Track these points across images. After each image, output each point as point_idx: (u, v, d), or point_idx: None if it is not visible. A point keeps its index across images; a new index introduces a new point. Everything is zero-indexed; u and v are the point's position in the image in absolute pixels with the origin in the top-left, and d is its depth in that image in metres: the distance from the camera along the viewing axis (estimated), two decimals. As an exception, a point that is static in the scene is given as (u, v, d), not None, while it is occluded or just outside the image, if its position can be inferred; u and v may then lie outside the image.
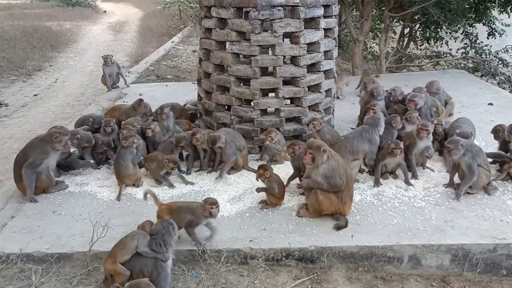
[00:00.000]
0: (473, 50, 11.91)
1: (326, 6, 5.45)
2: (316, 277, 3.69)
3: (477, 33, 11.95)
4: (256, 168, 4.54)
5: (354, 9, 10.31)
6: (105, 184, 4.92)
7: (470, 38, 11.95)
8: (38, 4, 28.65)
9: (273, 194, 4.28)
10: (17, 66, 12.64)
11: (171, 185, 4.79)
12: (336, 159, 4.07)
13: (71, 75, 12.27)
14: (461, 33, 11.89)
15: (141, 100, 6.20)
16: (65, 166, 5.18)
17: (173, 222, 3.45)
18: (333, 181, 4.00)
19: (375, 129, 4.81)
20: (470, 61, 11.93)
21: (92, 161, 5.22)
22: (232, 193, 4.65)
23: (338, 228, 3.93)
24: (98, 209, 4.38)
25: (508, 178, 4.77)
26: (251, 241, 3.82)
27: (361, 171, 4.94)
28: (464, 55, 12.03)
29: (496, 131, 5.15)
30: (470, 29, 11.81)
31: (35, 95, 10.29)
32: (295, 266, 3.77)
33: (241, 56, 5.50)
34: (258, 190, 4.36)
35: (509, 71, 11.31)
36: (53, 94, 10.40)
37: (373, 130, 4.80)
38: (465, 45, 12.09)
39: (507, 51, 11.48)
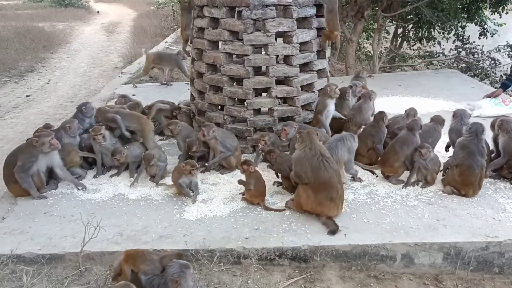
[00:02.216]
0: (464, 52, 11.98)
1: (318, 6, 5.47)
2: (309, 276, 3.68)
3: (469, 36, 12.03)
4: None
5: (347, 9, 10.32)
6: (97, 185, 4.89)
7: (461, 39, 12.02)
8: (31, 4, 28.45)
9: (249, 190, 4.31)
10: (9, 67, 12.55)
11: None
12: (307, 151, 4.04)
13: (64, 76, 12.20)
14: (453, 35, 11.95)
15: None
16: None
17: (185, 273, 2.99)
18: (297, 170, 4.07)
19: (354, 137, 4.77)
20: (462, 61, 12.00)
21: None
22: (225, 193, 4.63)
23: (332, 233, 3.86)
24: (90, 210, 4.35)
25: (499, 177, 4.79)
26: (245, 239, 3.81)
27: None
28: (456, 55, 12.10)
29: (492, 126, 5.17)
30: (461, 31, 11.89)
31: (27, 96, 10.22)
32: (288, 266, 3.76)
33: (233, 55, 5.50)
34: (239, 181, 4.44)
35: (501, 70, 11.37)
36: (46, 95, 10.33)
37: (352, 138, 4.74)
38: (457, 47, 12.15)
39: (499, 50, 11.56)
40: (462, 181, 4.39)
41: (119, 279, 3.16)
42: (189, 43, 6.75)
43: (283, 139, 5.04)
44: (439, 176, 4.79)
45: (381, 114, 5.17)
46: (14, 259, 3.68)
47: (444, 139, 5.25)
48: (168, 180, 4.83)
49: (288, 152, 5.33)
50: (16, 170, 4.49)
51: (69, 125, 4.99)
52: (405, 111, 5.39)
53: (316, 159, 3.99)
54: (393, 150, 4.76)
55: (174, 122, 5.28)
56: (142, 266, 3.14)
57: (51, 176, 4.87)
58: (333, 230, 3.87)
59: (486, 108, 6.87)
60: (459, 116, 5.14)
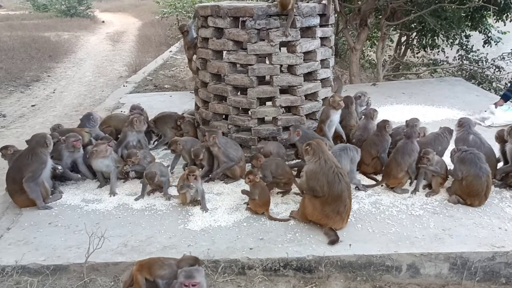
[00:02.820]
0: (468, 61, 11.97)
1: (322, 15, 5.48)
2: (314, 287, 3.66)
3: (472, 45, 12.02)
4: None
5: (349, 18, 10.36)
6: (102, 195, 4.89)
7: (465, 48, 12.01)
8: (37, 14, 28.73)
9: (254, 200, 4.30)
10: (15, 77, 12.64)
11: (189, 187, 4.48)
12: (323, 164, 3.99)
13: (69, 86, 12.28)
14: (457, 44, 11.95)
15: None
16: (61, 177, 5.15)
17: (194, 275, 2.97)
18: (310, 183, 4.01)
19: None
20: (466, 70, 11.98)
21: (78, 176, 5.19)
22: (230, 203, 4.62)
23: (332, 243, 3.84)
24: (95, 220, 4.36)
25: (505, 185, 4.76)
26: (250, 249, 3.80)
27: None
28: (460, 63, 12.08)
29: (498, 138, 5.15)
30: (465, 41, 11.89)
31: (33, 105, 10.28)
32: (293, 276, 3.74)
33: (238, 65, 5.51)
34: (243, 191, 4.46)
35: (505, 78, 11.34)
36: (51, 104, 10.39)
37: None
38: (460, 56, 12.14)
39: (503, 58, 11.53)
40: (468, 191, 4.37)
41: None
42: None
43: (294, 138, 5.05)
44: (445, 184, 4.77)
45: (385, 122, 5.17)
46: (18, 270, 3.68)
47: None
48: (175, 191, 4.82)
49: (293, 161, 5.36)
50: (27, 180, 4.51)
51: (64, 138, 5.08)
52: (406, 121, 5.38)
53: (331, 173, 3.96)
54: (395, 161, 4.74)
55: (174, 142, 5.20)
56: (159, 272, 3.17)
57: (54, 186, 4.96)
58: (333, 241, 3.86)
59: (498, 115, 6.80)
60: (466, 125, 5.11)
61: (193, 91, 6.69)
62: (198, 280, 2.92)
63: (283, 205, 4.58)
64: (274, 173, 4.63)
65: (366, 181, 5.02)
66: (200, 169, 4.79)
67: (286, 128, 5.51)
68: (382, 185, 4.88)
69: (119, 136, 5.80)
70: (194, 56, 6.51)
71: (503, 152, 4.91)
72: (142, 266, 3.23)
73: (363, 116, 5.72)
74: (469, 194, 4.37)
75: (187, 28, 6.81)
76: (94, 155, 4.93)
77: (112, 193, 4.85)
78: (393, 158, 4.78)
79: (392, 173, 4.74)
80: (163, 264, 3.21)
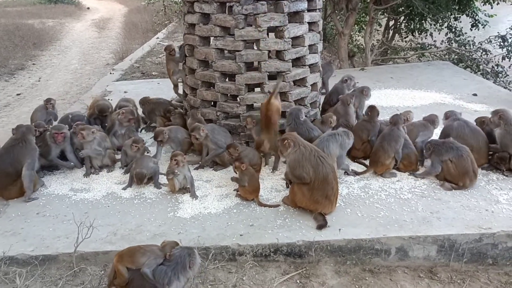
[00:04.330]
0: (456, 44, 12.00)
1: (310, 0, 5.43)
2: (304, 272, 3.69)
3: (461, 27, 12.04)
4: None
5: (337, 2, 10.30)
6: (90, 184, 4.85)
7: (453, 31, 12.03)
8: (20, 1, 28.13)
9: (244, 187, 4.31)
10: (-1, 65, 12.44)
11: (174, 174, 4.48)
12: (303, 150, 4.02)
13: (55, 74, 12.09)
14: (445, 27, 11.95)
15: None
16: (49, 166, 5.10)
17: (194, 253, 3.13)
18: (296, 172, 4.03)
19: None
20: (454, 53, 12.02)
21: (72, 163, 5.16)
22: (219, 190, 4.62)
23: (319, 227, 3.87)
24: (83, 209, 4.32)
25: (492, 168, 4.82)
26: (240, 236, 3.81)
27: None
28: (448, 47, 12.11)
29: (481, 123, 5.19)
30: (454, 23, 11.89)
31: (18, 94, 10.12)
32: (283, 261, 3.77)
33: (225, 51, 5.46)
34: (232, 179, 4.47)
35: (492, 61, 11.41)
36: (37, 93, 10.24)
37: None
38: (449, 39, 12.17)
39: (490, 41, 11.58)
40: (457, 173, 4.45)
41: (116, 283, 3.15)
42: (179, 86, 6.54)
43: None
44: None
45: (372, 108, 5.23)
46: (6, 261, 3.65)
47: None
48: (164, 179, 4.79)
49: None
50: (27, 167, 4.50)
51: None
52: (389, 119, 5.35)
53: (313, 157, 3.99)
54: (382, 149, 4.76)
55: (160, 132, 5.12)
56: (143, 259, 3.11)
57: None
58: (321, 225, 3.88)
59: None
60: (452, 115, 5.19)
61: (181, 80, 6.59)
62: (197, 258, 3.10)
63: (272, 191, 4.58)
64: (251, 162, 4.65)
65: (354, 165, 5.04)
66: (185, 155, 4.74)
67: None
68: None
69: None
70: (180, 82, 6.34)
71: (491, 140, 4.96)
72: (121, 257, 3.17)
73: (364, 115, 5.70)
74: (458, 176, 4.43)
75: (173, 48, 6.29)
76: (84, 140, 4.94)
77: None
78: (380, 145, 4.80)
79: (380, 160, 4.76)
80: (145, 251, 3.15)
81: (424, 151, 4.81)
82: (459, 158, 4.46)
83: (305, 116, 5.19)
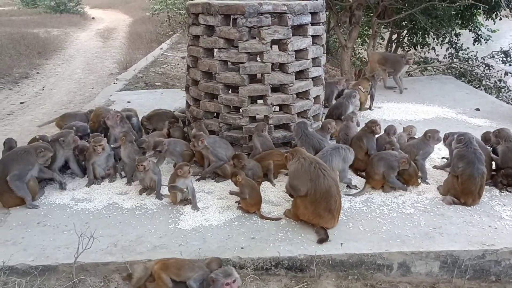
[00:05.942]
0: (458, 60, 12.03)
1: (313, 13, 5.46)
2: (305, 286, 3.65)
3: (462, 44, 12.10)
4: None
5: (341, 16, 10.36)
6: (91, 194, 4.84)
7: (455, 46, 12.08)
8: (26, 10, 28.40)
9: (245, 199, 4.30)
10: (4, 73, 12.48)
11: (181, 191, 4.49)
12: (302, 162, 4.03)
13: (59, 83, 12.15)
14: (447, 42, 12.01)
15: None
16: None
17: (233, 273, 3.13)
18: (294, 183, 4.05)
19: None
20: (456, 68, 12.04)
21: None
22: (221, 202, 4.60)
23: (320, 241, 3.84)
24: (84, 220, 4.31)
25: (497, 184, 4.79)
26: (241, 249, 3.78)
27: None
28: (450, 61, 12.15)
29: (485, 140, 5.19)
30: (455, 39, 11.95)
31: (21, 103, 10.16)
32: (284, 275, 3.73)
33: (229, 63, 5.49)
34: (231, 192, 4.46)
35: (495, 76, 11.42)
36: (40, 102, 10.27)
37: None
38: (450, 54, 12.22)
39: (493, 57, 11.60)
40: (462, 190, 4.38)
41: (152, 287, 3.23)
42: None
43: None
44: (435, 184, 4.79)
45: (373, 123, 5.21)
46: (6, 271, 3.63)
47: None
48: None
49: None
50: (12, 177, 4.46)
51: (63, 138, 5.01)
52: (385, 129, 5.36)
53: (313, 168, 3.97)
54: (371, 163, 4.78)
55: (159, 143, 5.10)
56: (190, 274, 3.22)
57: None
58: (322, 239, 3.85)
59: None
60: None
61: (183, 89, 6.60)
62: (237, 275, 3.13)
63: (274, 204, 4.56)
64: (254, 175, 4.68)
65: (356, 180, 5.02)
66: (190, 166, 4.72)
67: (277, 127, 5.52)
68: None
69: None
70: None
71: (495, 152, 4.94)
72: (166, 266, 3.26)
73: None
74: (462, 192, 4.38)
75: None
76: (94, 152, 4.96)
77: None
78: (370, 161, 4.82)
79: (370, 176, 4.77)
80: (194, 266, 3.28)
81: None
82: (470, 177, 4.33)
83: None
